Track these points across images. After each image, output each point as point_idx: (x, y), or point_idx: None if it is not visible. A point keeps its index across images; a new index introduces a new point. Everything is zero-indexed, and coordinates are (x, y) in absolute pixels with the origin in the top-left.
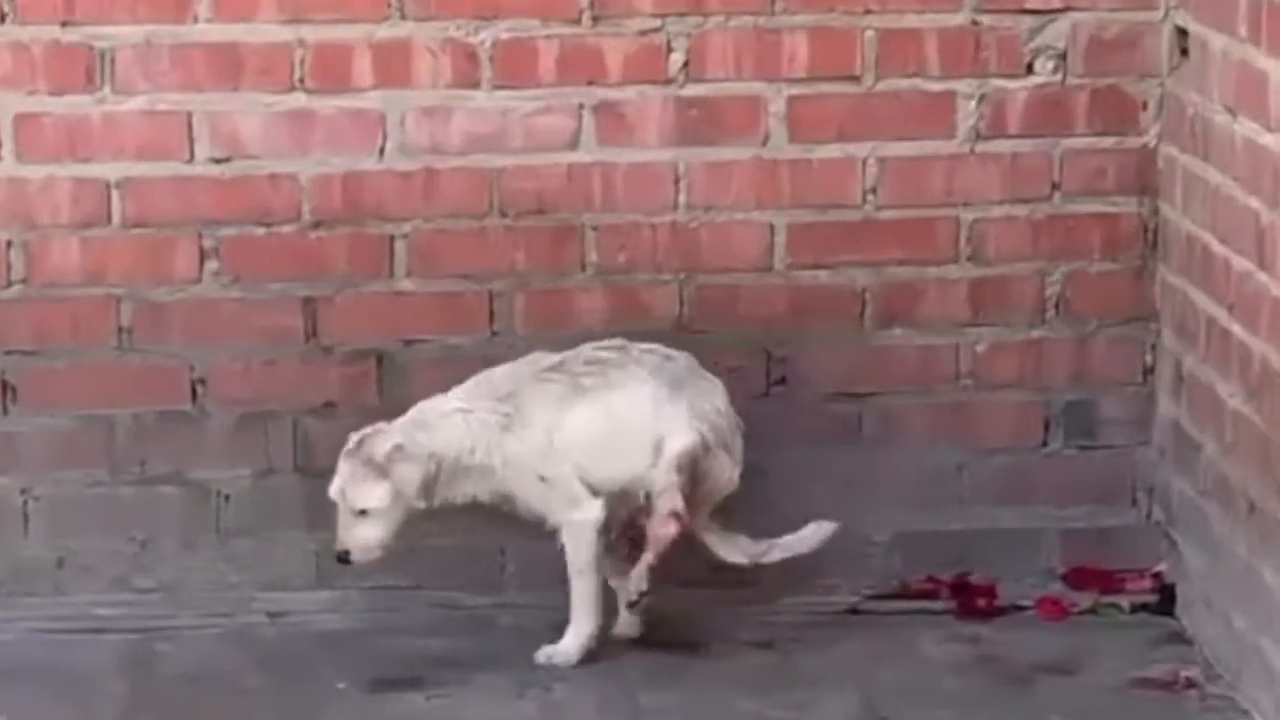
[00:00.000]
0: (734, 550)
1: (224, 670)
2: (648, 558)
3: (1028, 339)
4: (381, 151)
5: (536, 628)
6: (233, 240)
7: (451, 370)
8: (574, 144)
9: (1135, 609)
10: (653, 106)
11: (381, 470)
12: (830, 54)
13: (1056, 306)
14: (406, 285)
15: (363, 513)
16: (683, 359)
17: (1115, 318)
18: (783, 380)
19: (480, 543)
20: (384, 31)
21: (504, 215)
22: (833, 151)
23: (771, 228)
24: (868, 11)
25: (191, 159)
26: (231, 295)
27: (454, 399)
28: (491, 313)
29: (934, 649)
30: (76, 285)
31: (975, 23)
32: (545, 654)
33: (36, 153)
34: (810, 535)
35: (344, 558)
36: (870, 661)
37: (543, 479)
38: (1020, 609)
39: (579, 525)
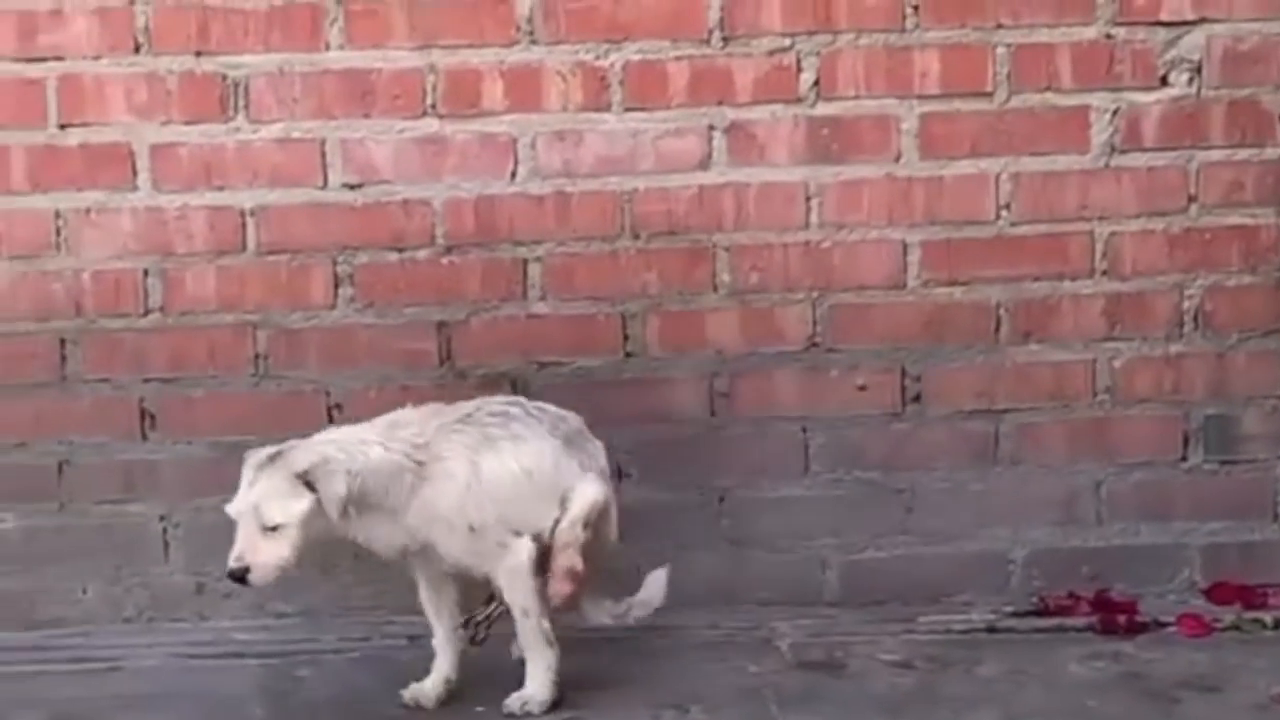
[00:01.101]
0: (600, 612)
1: (364, 694)
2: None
3: (1166, 353)
4: (513, 175)
5: (671, 647)
6: (367, 266)
7: (585, 392)
8: (705, 165)
9: (1279, 624)
10: (783, 126)
11: (301, 485)
12: (962, 70)
13: (1195, 320)
14: (540, 308)
15: (273, 529)
16: (574, 419)
17: (1254, 330)
18: (917, 398)
19: (614, 562)
20: (515, 56)
21: (636, 237)
22: (965, 168)
23: (904, 245)
24: (999, 26)
25: (325, 185)
26: (366, 320)
27: (367, 433)
28: (625, 334)
29: (1075, 667)
30: (212, 312)
31: (1109, 36)
32: (517, 701)
33: (172, 181)
34: (654, 586)
35: (240, 576)
36: (1011, 680)
37: (472, 529)
38: (1162, 625)
39: (515, 569)
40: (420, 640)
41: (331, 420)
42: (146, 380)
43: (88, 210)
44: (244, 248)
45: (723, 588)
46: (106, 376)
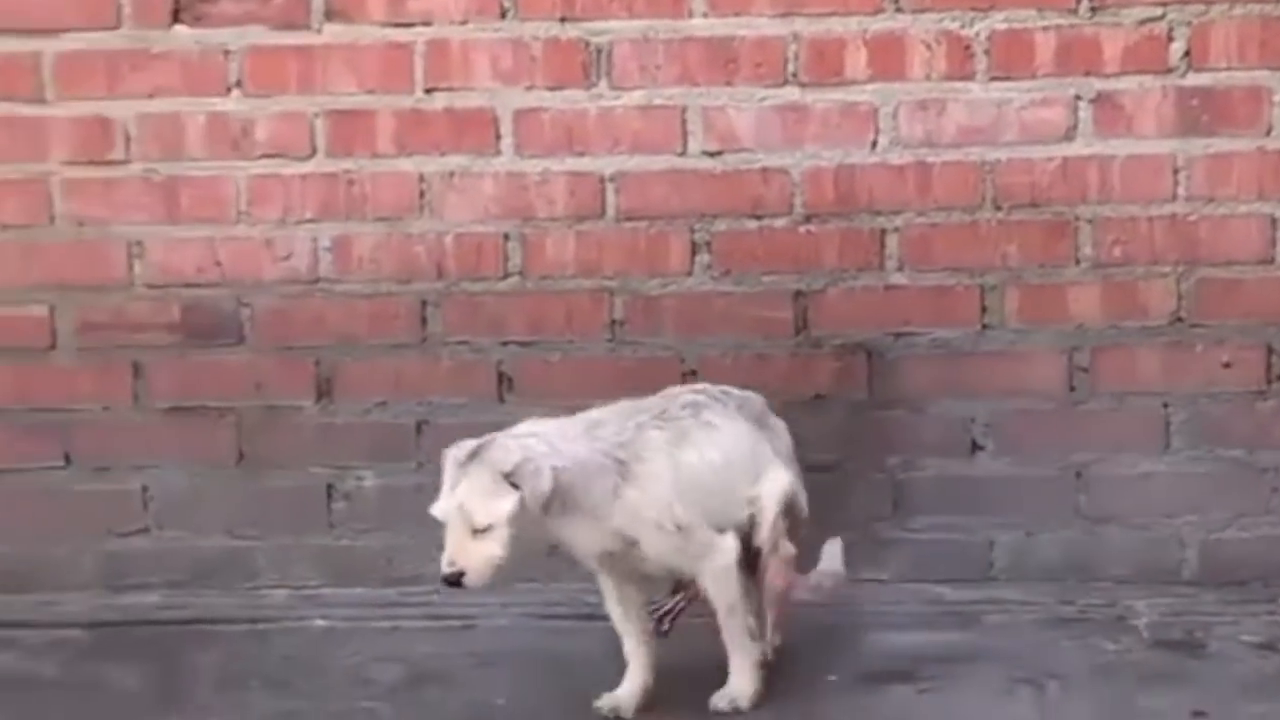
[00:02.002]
0: (801, 590)
1: (714, 660)
2: (771, 616)
3: None
4: (874, 144)
5: (1023, 624)
6: (724, 234)
7: (941, 364)
8: (1070, 136)
9: None
10: (1151, 97)
11: (506, 483)
12: None
13: None
14: (898, 278)
15: (484, 530)
16: (757, 399)
17: None
18: None
19: (967, 536)
20: (878, 24)
21: (997, 208)
22: None
23: (1274, 220)
24: None
25: (685, 152)
26: (722, 288)
27: (567, 429)
28: (983, 306)
29: None
30: (570, 277)
31: None
32: (724, 699)
33: (534, 147)
34: (832, 555)
35: (455, 580)
36: None
37: (679, 528)
38: None
39: (725, 569)
40: None
41: None
42: (505, 343)
43: (451, 174)
44: (603, 213)
45: (1078, 564)
46: (466, 339)
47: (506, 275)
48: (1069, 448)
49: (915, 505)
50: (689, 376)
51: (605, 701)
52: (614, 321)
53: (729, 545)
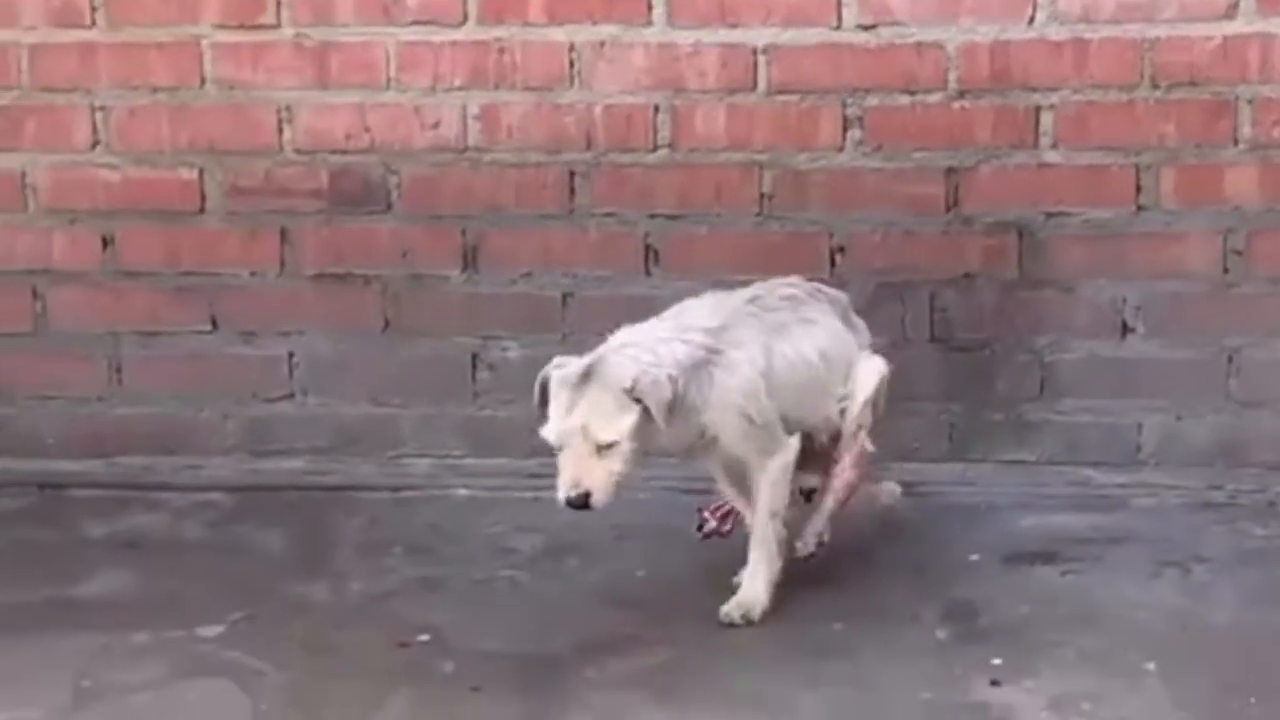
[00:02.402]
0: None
1: (856, 538)
2: (828, 504)
3: None
4: (1031, 20)
5: (1171, 507)
6: (877, 109)
7: (1093, 244)
8: (1231, 14)
9: None
10: None
11: (628, 398)
12: None
13: None
14: (1051, 157)
15: (606, 447)
16: (843, 298)
17: None
18: None
19: (1116, 419)
20: None
21: (1155, 86)
22: None
23: None
24: None
25: (839, 26)
26: (873, 164)
27: (660, 330)
28: (1138, 186)
29: None
30: (720, 150)
31: None
32: (738, 608)
33: (687, 18)
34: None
35: (582, 502)
36: None
37: (751, 420)
38: None
39: (780, 468)
40: (914, 487)
41: (833, 264)
42: (652, 216)
43: (602, 44)
44: (754, 87)
45: (1227, 448)
46: (613, 211)
47: (656, 147)
48: (1221, 331)
49: (1064, 387)
50: (837, 253)
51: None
52: (763, 196)
53: (794, 445)
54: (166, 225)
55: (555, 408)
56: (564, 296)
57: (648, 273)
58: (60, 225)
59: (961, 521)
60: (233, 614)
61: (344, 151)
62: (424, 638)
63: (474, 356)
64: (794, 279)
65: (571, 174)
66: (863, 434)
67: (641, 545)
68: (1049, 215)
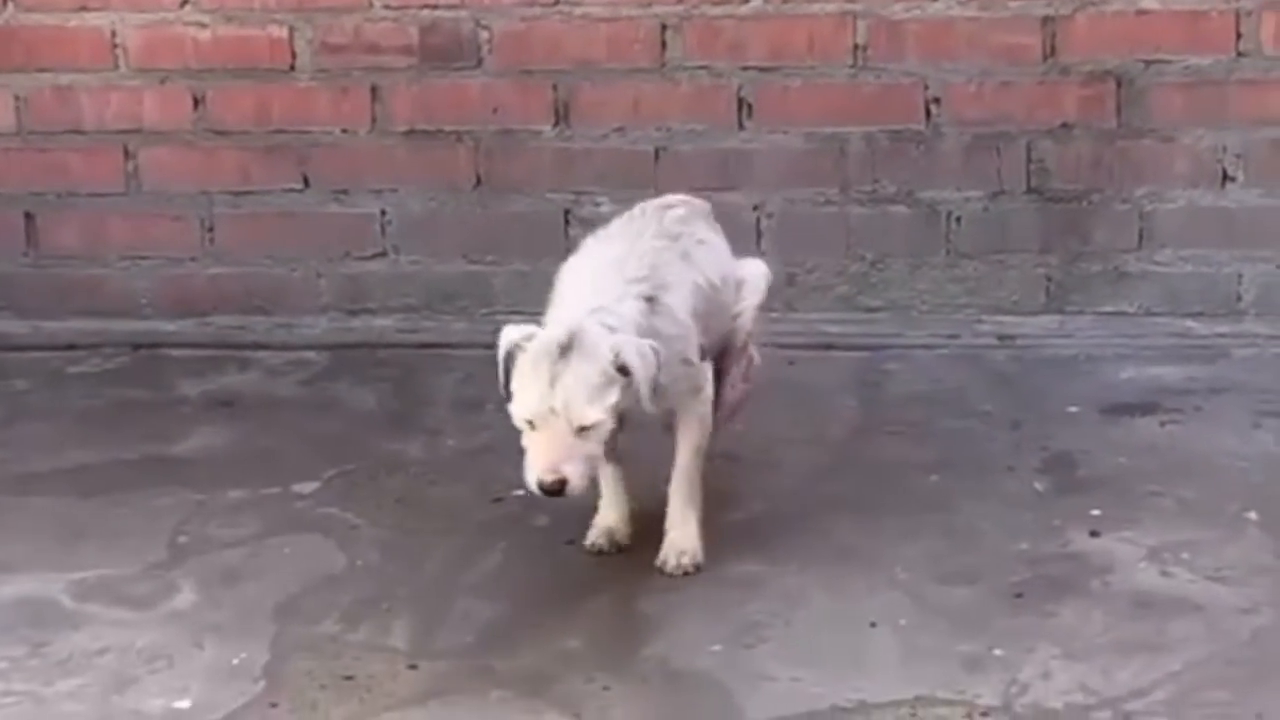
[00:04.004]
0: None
1: (953, 391)
2: (721, 423)
3: None
4: None
5: (1271, 358)
6: None
7: (1192, 91)
8: None
9: None
10: None
11: (613, 371)
12: None
13: None
14: (1149, 3)
15: (589, 428)
16: (707, 205)
17: None
18: None
19: (1214, 270)
20: None
21: None
22: None
23: None
24: None
25: None
26: (969, 13)
27: (611, 286)
28: (1238, 33)
29: None
30: (815, 1)
31: None
32: (676, 556)
33: None
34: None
35: (557, 489)
36: None
37: (689, 363)
38: None
39: (706, 401)
40: (1010, 340)
41: (929, 116)
42: (745, 68)
43: None
44: None
45: None
46: (705, 64)
47: None
48: None
49: (1163, 237)
50: (932, 104)
51: (595, 536)
52: (857, 46)
53: (709, 372)
54: (257, 83)
55: (532, 382)
56: (656, 151)
57: (740, 126)
58: (150, 84)
59: (1059, 374)
60: (327, 471)
61: (434, 6)
62: (518, 492)
63: (566, 212)
64: (671, 197)
65: (663, 26)
66: (751, 344)
67: None
68: (1148, 63)
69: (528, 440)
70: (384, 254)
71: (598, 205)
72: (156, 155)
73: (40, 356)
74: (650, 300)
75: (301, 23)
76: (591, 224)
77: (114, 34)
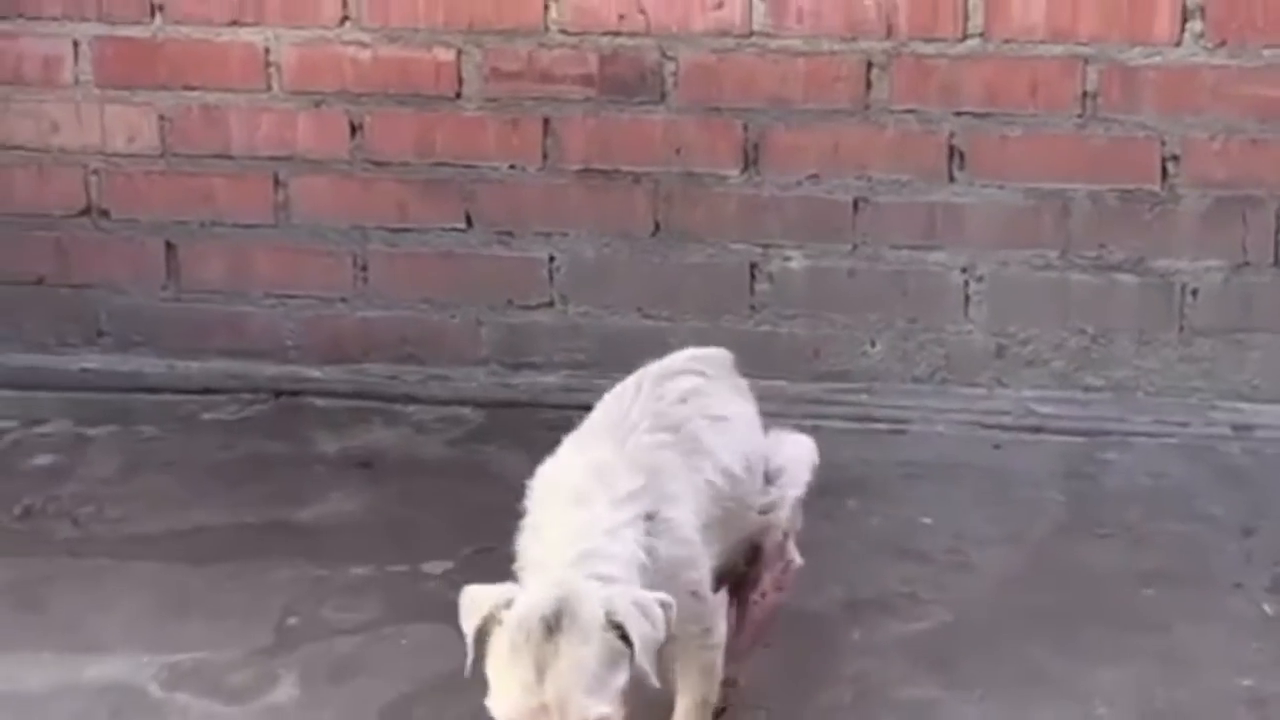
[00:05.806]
0: None
1: (1178, 488)
2: (744, 644)
3: None
4: None
5: None
6: None
7: None
8: None
9: None
10: None
11: (614, 642)
12: None
13: None
14: None
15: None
16: (726, 355)
17: None
18: None
19: None
20: None
21: None
22: None
23: None
24: None
25: None
26: (1215, 61)
27: (603, 518)
28: None
29: None
30: (1038, 42)
31: None
32: None
33: None
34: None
35: None
36: None
37: (698, 596)
38: None
39: (717, 643)
40: (1247, 431)
41: (1165, 175)
42: (958, 114)
43: None
44: None
45: None
46: (914, 107)
47: (965, 36)
48: None
49: None
50: (1169, 162)
51: None
52: (1086, 94)
53: (723, 607)
54: (419, 110)
55: (513, 672)
56: (855, 202)
57: (951, 178)
58: (305, 107)
59: None
60: (464, 548)
61: (615, 33)
62: None
63: (752, 266)
64: (680, 355)
65: (869, 64)
66: (790, 544)
67: (931, 487)
68: None
69: None
70: (550, 303)
71: (787, 259)
72: (309, 184)
73: (173, 399)
74: (649, 518)
75: (470, 45)
76: (779, 280)
77: (267, 51)
